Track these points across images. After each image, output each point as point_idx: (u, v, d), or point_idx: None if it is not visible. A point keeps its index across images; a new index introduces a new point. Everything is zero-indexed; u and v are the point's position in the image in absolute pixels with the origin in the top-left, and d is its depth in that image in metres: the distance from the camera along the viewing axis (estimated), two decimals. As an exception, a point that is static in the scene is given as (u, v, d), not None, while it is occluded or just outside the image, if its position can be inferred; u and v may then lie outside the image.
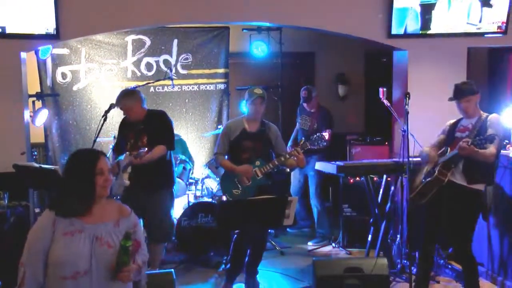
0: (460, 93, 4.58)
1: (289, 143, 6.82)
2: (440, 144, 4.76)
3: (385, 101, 5.53)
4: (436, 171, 4.54)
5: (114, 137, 5.92)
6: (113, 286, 2.68)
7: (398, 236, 5.54)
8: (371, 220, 5.59)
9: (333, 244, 6.47)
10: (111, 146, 5.93)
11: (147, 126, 5.03)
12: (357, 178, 6.38)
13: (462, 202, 4.47)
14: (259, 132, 5.12)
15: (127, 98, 5.07)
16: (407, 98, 4.61)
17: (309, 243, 6.61)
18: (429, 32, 5.90)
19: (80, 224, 2.68)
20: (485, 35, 5.96)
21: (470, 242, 4.51)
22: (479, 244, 5.26)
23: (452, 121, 4.80)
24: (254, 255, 5.04)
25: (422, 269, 4.78)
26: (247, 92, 5.17)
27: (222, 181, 5.26)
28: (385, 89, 5.62)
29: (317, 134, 5.16)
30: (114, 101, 5.12)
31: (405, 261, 5.33)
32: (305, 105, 6.76)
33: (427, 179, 4.60)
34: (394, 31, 5.90)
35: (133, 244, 2.69)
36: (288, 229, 7.02)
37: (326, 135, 6.04)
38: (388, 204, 5.58)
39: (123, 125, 5.23)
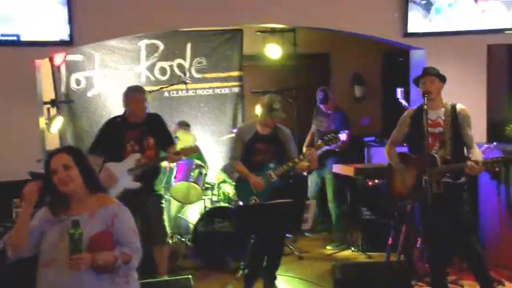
0: (425, 71, 4.50)
1: (305, 145, 6.74)
2: (404, 139, 4.69)
3: (403, 101, 5.44)
4: (435, 183, 4.36)
5: None
6: (81, 276, 2.74)
7: (419, 239, 5.43)
8: (391, 223, 5.49)
9: (352, 248, 6.37)
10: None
11: (150, 127, 4.97)
12: (376, 180, 6.27)
13: (453, 197, 4.39)
14: (271, 135, 5.12)
15: (145, 93, 5.03)
16: (426, 98, 4.48)
17: (328, 247, 6.52)
18: (447, 29, 5.79)
19: (61, 217, 2.86)
20: (505, 31, 5.84)
21: (473, 233, 4.47)
22: (502, 247, 5.17)
23: (409, 112, 4.68)
24: (272, 260, 4.98)
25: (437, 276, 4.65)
26: (266, 100, 5.10)
27: (236, 186, 5.28)
28: (402, 89, 5.53)
29: (331, 134, 5.09)
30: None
31: (426, 265, 5.21)
32: (322, 106, 6.68)
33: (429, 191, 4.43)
34: (410, 29, 5.80)
35: (101, 234, 2.78)
36: (306, 233, 6.93)
37: (343, 135, 5.97)
38: (408, 206, 5.47)
39: (115, 125, 5.01)
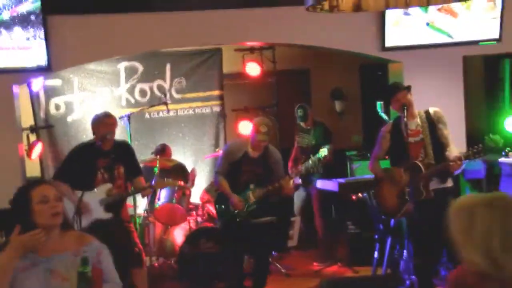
0: (396, 88, 4.63)
1: (289, 164, 6.75)
2: (385, 153, 4.77)
3: (383, 115, 5.48)
4: (423, 189, 4.45)
5: None
6: None
7: (405, 251, 5.43)
8: (376, 236, 5.49)
9: (339, 263, 6.35)
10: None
11: (119, 156, 4.88)
12: (359, 194, 6.28)
13: (442, 203, 4.43)
14: (260, 157, 5.14)
15: (113, 118, 4.96)
16: (405, 111, 4.54)
17: (315, 263, 6.50)
18: (423, 42, 5.87)
19: (33, 258, 2.59)
20: (480, 43, 5.93)
21: None
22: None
23: (387, 127, 4.77)
24: (259, 280, 4.95)
25: None
26: (254, 122, 5.16)
27: (216, 202, 5.31)
28: (382, 102, 5.57)
29: (313, 159, 5.16)
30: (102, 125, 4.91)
31: (413, 277, 5.21)
32: (301, 123, 6.70)
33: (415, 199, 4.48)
34: (388, 43, 5.86)
35: (94, 271, 2.55)
36: (292, 250, 6.90)
37: (324, 150, 5.99)
38: (393, 219, 5.48)
39: (85, 152, 4.91)
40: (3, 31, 5.38)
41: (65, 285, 2.54)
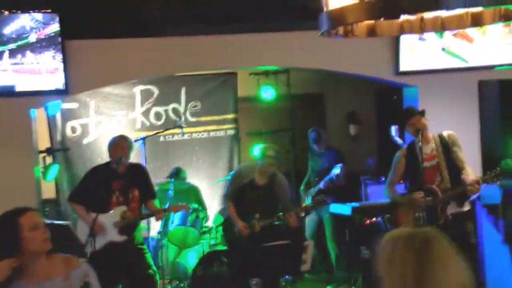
0: (411, 113, 4.63)
1: (302, 187, 6.74)
2: (401, 178, 4.79)
3: (398, 139, 5.46)
4: (440, 213, 4.42)
5: None
6: None
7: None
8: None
9: (353, 288, 6.29)
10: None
11: (134, 178, 4.92)
12: (374, 219, 6.23)
13: (462, 228, 4.43)
14: (267, 185, 5.22)
15: (129, 141, 5.02)
16: (419, 135, 4.53)
17: (328, 287, 6.43)
18: (438, 67, 5.87)
19: (23, 286, 2.57)
20: (496, 68, 5.91)
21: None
22: (504, 280, 5.11)
23: (402, 152, 4.75)
24: None
25: None
26: (260, 148, 5.28)
27: (224, 227, 5.48)
28: (397, 126, 5.56)
29: (320, 196, 5.30)
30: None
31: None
32: (315, 146, 6.69)
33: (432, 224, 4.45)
34: (402, 67, 5.87)
35: None
36: (305, 274, 6.84)
37: (337, 170, 6.00)
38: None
39: (100, 174, 4.97)
40: (23, 53, 5.47)
41: None
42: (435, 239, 1.67)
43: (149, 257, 5.03)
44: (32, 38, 5.50)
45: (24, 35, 5.50)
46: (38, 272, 2.62)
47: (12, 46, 5.46)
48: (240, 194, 5.23)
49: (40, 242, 2.61)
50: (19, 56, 5.49)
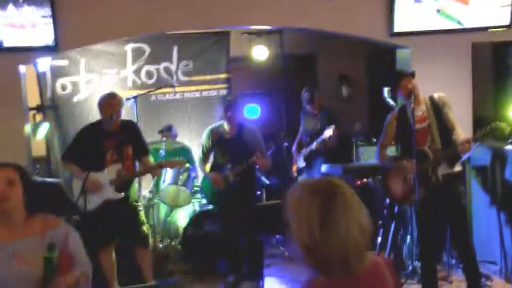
0: (402, 74, 4.64)
1: (293, 147, 6.75)
2: (392, 140, 4.85)
3: (390, 101, 5.46)
4: (431, 174, 4.45)
5: None
6: None
7: (409, 237, 5.45)
8: (380, 221, 5.50)
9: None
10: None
11: (127, 135, 4.91)
12: (364, 180, 6.28)
13: (452, 187, 4.47)
14: (235, 136, 5.44)
15: (118, 98, 4.98)
16: (412, 97, 4.52)
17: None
18: (432, 28, 5.82)
19: None
20: (489, 29, 5.87)
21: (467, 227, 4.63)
22: (491, 242, 5.18)
23: (393, 115, 4.78)
24: (253, 261, 5.07)
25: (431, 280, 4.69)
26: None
27: (202, 184, 5.81)
28: (389, 88, 5.55)
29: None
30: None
31: (416, 262, 5.23)
32: (307, 107, 6.67)
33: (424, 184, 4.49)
34: (396, 29, 5.82)
35: (62, 255, 2.51)
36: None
37: (329, 131, 6.03)
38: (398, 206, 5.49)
39: (92, 132, 4.95)
40: (12, 7, 5.36)
41: (30, 270, 2.48)
42: (340, 187, 1.81)
43: (142, 214, 5.07)
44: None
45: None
46: (13, 231, 2.59)
47: (-1, 0, 5.35)
48: (213, 151, 5.53)
49: None
50: (6, 9, 5.37)
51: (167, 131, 6.57)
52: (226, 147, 5.45)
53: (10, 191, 2.58)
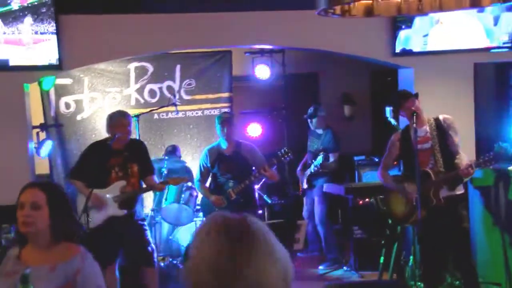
0: (405, 95, 4.64)
1: (299, 167, 6.74)
2: (394, 161, 4.87)
3: (392, 120, 5.47)
4: (433, 196, 4.44)
5: None
6: None
7: (411, 257, 5.41)
8: (383, 241, 5.47)
9: (345, 268, 6.34)
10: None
11: (133, 154, 4.94)
12: (366, 199, 6.27)
13: (452, 210, 4.47)
14: (233, 153, 5.45)
15: (129, 117, 5.04)
16: (415, 117, 4.53)
17: (320, 267, 6.48)
18: (434, 49, 5.84)
19: (17, 265, 2.48)
20: (492, 50, 5.90)
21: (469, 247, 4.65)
22: (495, 263, 5.15)
23: (397, 135, 4.79)
24: None
25: None
26: (216, 119, 5.60)
27: (201, 206, 5.75)
28: (391, 108, 5.56)
29: (283, 149, 5.38)
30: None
31: (419, 283, 5.19)
32: (311, 125, 6.66)
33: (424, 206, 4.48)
34: (398, 49, 5.85)
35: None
36: (298, 253, 6.89)
37: (319, 159, 6.12)
38: (400, 226, 5.47)
39: (98, 150, 4.97)
40: (17, 26, 5.38)
41: None
42: (251, 228, 1.46)
43: (148, 234, 5.07)
44: (16, 4, 5.39)
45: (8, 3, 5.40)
46: (32, 256, 2.53)
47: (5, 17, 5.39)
48: (214, 170, 5.50)
49: (20, 223, 2.50)
50: (11, 27, 5.41)
51: (172, 152, 6.58)
52: (227, 163, 5.46)
53: (32, 215, 2.47)
